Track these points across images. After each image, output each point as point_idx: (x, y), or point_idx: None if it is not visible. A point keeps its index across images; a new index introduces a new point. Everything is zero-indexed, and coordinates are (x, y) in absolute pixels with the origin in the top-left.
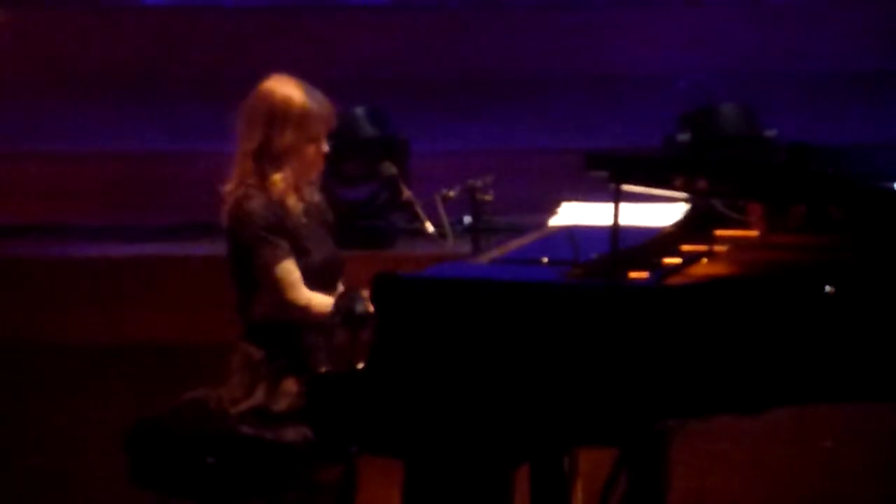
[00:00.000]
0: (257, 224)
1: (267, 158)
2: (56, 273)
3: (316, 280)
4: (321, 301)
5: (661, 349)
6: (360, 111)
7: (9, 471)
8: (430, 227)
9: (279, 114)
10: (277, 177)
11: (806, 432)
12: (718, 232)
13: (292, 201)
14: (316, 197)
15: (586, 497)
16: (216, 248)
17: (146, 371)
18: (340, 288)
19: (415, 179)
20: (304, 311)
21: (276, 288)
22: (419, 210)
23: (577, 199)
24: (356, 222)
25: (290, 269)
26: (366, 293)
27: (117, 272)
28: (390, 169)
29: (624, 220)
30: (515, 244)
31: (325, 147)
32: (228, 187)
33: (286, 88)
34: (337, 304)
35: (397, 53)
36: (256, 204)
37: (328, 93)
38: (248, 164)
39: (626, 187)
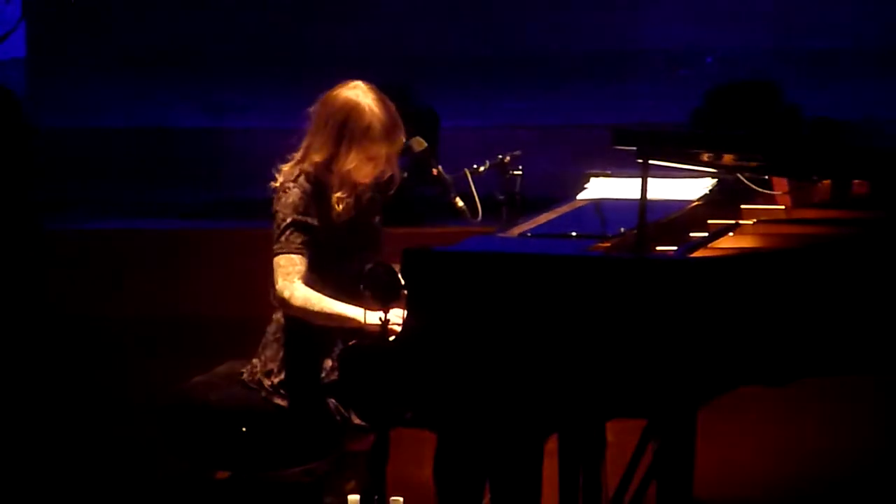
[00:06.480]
0: (288, 211)
1: (330, 168)
2: (90, 247)
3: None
4: (322, 304)
5: (687, 322)
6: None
7: (52, 439)
8: (459, 202)
9: (351, 134)
10: (337, 195)
11: (830, 405)
12: (744, 206)
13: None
14: None
15: (613, 467)
16: (252, 223)
17: (185, 343)
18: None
19: (445, 155)
20: (283, 302)
21: (275, 272)
22: (449, 185)
23: (605, 174)
24: None
25: (293, 262)
26: (396, 267)
27: (155, 247)
28: (421, 144)
29: (651, 195)
30: (544, 218)
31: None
32: (286, 167)
33: (365, 106)
34: (368, 278)
35: (429, 29)
36: (296, 188)
37: (361, 69)
38: (311, 161)
39: (654, 162)
